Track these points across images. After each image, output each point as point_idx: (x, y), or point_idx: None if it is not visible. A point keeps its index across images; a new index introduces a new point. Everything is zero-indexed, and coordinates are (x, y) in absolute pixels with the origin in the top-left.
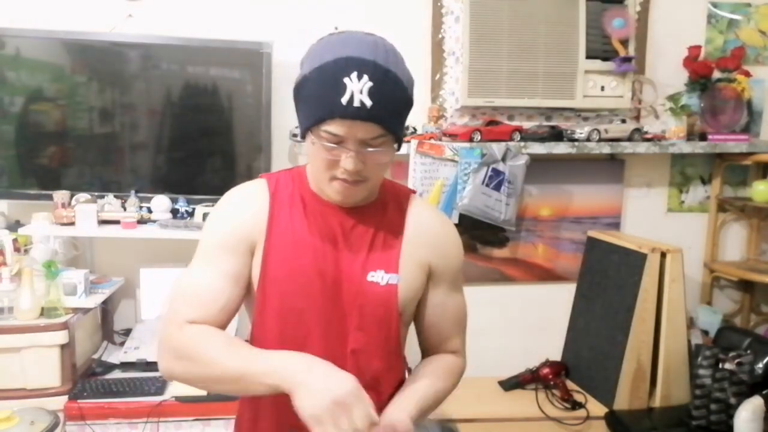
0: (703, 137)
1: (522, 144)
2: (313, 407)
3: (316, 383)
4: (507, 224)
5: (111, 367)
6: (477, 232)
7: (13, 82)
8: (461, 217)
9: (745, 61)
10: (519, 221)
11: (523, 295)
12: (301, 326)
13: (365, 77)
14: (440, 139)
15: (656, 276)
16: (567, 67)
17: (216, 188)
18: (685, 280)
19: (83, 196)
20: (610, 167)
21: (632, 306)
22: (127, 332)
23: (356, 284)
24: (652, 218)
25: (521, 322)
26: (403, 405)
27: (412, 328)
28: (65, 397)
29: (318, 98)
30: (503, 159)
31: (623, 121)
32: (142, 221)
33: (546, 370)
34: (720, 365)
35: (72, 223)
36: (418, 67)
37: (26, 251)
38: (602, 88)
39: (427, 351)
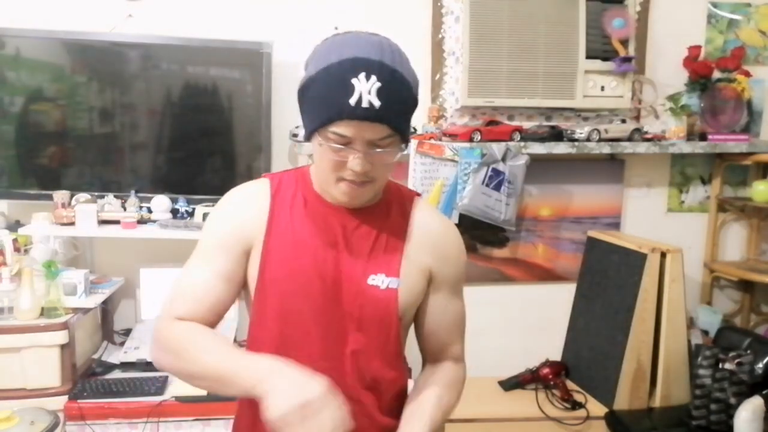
0: (703, 137)
1: (522, 144)
2: (279, 411)
3: (284, 387)
4: (507, 224)
5: (111, 367)
6: (477, 232)
7: (13, 82)
8: (461, 217)
9: (745, 61)
10: (519, 221)
11: (523, 295)
12: (300, 327)
13: (373, 78)
14: (440, 139)
15: (656, 276)
16: (567, 67)
17: (216, 188)
18: (685, 280)
19: (83, 196)
20: (610, 167)
21: (632, 306)
22: (127, 332)
23: (356, 287)
24: (652, 218)
25: (521, 322)
26: (416, 429)
27: (412, 330)
28: (65, 397)
29: (325, 99)
30: (503, 159)
31: (623, 121)
32: (142, 221)
33: (546, 370)
34: (720, 365)
35: (72, 223)
36: (418, 67)
37: (26, 251)
38: (602, 88)
39: (427, 357)
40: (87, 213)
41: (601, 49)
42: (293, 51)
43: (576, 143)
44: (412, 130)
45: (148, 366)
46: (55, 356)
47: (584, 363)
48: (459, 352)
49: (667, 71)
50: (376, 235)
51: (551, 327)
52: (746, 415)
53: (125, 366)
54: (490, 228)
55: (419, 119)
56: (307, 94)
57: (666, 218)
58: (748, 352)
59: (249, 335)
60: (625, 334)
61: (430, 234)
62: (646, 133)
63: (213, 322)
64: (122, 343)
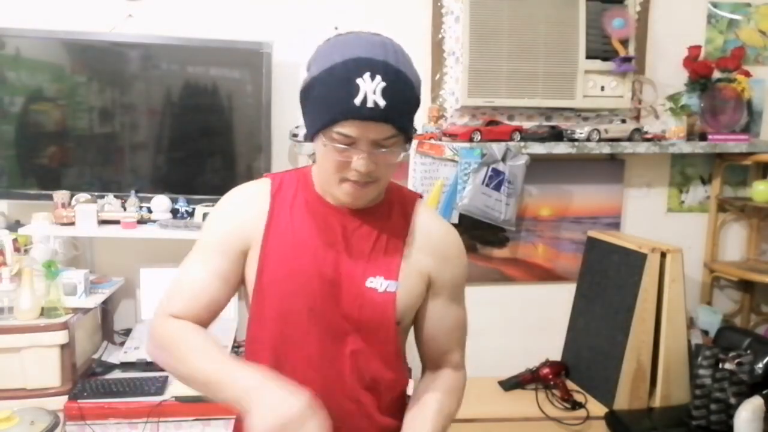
0: (703, 137)
1: (522, 144)
2: (261, 426)
3: (266, 403)
4: (507, 224)
5: (111, 367)
6: (477, 232)
7: (13, 82)
8: (461, 217)
9: (745, 61)
10: (519, 221)
11: (523, 295)
12: (298, 327)
13: (378, 78)
14: (440, 139)
15: (656, 276)
16: (567, 67)
17: (216, 188)
18: (685, 280)
19: (83, 196)
20: (610, 167)
21: (632, 306)
22: (127, 332)
23: (355, 288)
24: (652, 218)
25: (521, 322)
26: None
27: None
28: (65, 397)
29: (330, 99)
30: (503, 159)
31: (623, 121)
32: (142, 221)
33: (546, 370)
34: (720, 365)
35: (72, 223)
36: (418, 67)
37: (26, 251)
38: (602, 88)
39: (426, 363)
40: (87, 213)
41: (601, 49)
42: (293, 51)
43: (576, 143)
44: (413, 129)
45: (148, 366)
46: (55, 356)
47: (584, 363)
48: (459, 360)
49: (667, 71)
50: (376, 236)
51: (551, 327)
52: (746, 415)
53: (125, 366)
54: (490, 228)
55: (419, 119)
56: (310, 94)
57: (666, 218)
58: (748, 352)
59: (248, 335)
60: (625, 334)
61: (431, 237)
62: (646, 133)
63: (208, 320)
64: (122, 343)
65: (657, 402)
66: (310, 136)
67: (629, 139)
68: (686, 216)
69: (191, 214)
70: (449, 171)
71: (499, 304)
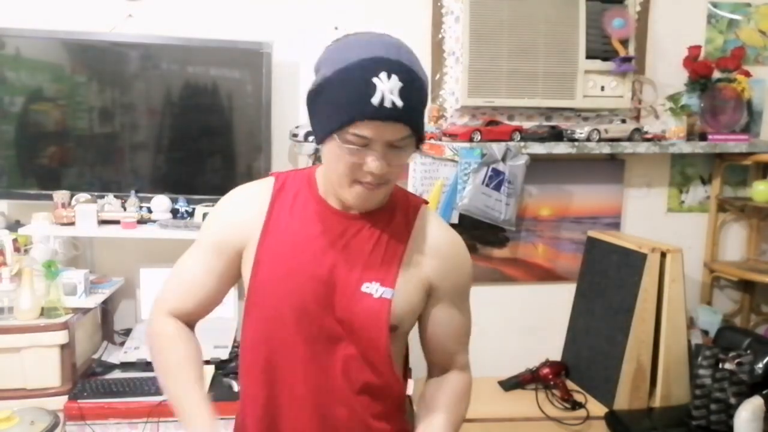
0: (703, 137)
1: (522, 144)
2: None
3: None
4: (507, 224)
5: (111, 367)
6: (477, 232)
7: (13, 82)
8: (461, 217)
9: (745, 61)
10: (519, 221)
11: (523, 295)
12: (289, 328)
13: (394, 77)
14: (440, 139)
15: (656, 276)
16: (567, 67)
17: (216, 188)
18: (685, 280)
19: (83, 196)
20: (610, 167)
21: (632, 306)
22: (127, 332)
23: (350, 292)
24: (652, 218)
25: (521, 322)
26: None
27: (415, 336)
28: (65, 397)
29: (345, 100)
30: (503, 159)
31: (623, 121)
32: (142, 221)
33: (546, 370)
34: (720, 365)
35: (72, 223)
36: None
37: (26, 251)
38: (602, 88)
39: (432, 367)
40: (87, 213)
41: (601, 49)
42: (293, 51)
43: (576, 143)
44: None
45: (148, 366)
46: (55, 356)
47: (584, 363)
48: (464, 361)
49: (667, 71)
50: (376, 241)
51: (551, 327)
52: (746, 415)
53: (125, 366)
54: (490, 228)
55: None
56: (321, 96)
57: (666, 218)
58: (748, 352)
59: (242, 335)
60: (625, 334)
61: (433, 244)
62: (646, 133)
63: (201, 315)
64: (122, 343)
65: (657, 402)
66: (321, 138)
67: (629, 139)
68: (686, 216)
69: (191, 214)
70: (449, 171)
71: (499, 304)
